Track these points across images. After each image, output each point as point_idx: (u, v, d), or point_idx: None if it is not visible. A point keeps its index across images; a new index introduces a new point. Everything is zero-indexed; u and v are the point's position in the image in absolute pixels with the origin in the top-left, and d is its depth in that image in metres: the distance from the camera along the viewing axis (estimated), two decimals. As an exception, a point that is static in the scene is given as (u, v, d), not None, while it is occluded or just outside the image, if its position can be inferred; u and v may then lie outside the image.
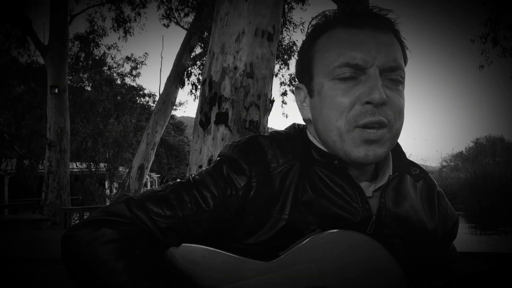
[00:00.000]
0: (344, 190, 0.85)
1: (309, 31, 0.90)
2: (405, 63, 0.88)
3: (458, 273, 0.77)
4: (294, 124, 0.96)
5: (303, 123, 0.96)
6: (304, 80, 0.89)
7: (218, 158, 0.89)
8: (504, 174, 13.78)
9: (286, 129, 0.95)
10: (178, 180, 0.88)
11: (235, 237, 0.84)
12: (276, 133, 0.92)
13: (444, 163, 21.92)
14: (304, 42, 0.91)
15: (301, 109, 0.92)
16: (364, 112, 0.80)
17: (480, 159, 17.05)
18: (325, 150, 0.87)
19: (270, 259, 0.80)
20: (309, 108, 0.89)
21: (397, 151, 0.93)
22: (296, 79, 0.95)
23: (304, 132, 0.93)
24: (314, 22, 0.89)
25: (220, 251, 0.81)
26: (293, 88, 0.95)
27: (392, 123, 0.82)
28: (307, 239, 0.80)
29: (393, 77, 0.82)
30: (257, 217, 0.83)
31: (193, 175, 0.87)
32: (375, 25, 0.83)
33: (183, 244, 0.81)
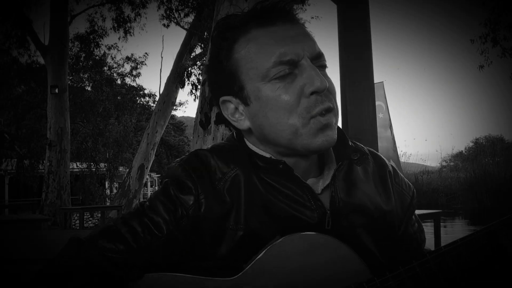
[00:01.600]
0: (294, 192, 0.84)
1: (219, 37, 0.87)
2: None
3: (419, 256, 0.77)
4: (233, 134, 0.95)
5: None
6: (232, 90, 0.86)
7: (165, 180, 0.88)
8: (504, 174, 13.79)
9: (226, 139, 0.95)
10: (129, 210, 0.87)
11: (197, 256, 0.83)
12: (216, 145, 0.92)
13: (444, 163, 21.92)
14: (217, 51, 0.87)
15: (234, 121, 0.89)
16: (313, 102, 0.80)
17: (480, 159, 17.05)
18: (267, 156, 0.87)
19: (236, 273, 0.79)
20: (245, 117, 0.87)
21: (341, 137, 0.90)
22: (213, 93, 0.93)
23: (242, 141, 0.92)
24: (222, 28, 0.87)
25: (183, 275, 0.79)
26: (216, 104, 0.92)
27: (335, 106, 0.83)
28: (267, 248, 0.79)
29: (320, 63, 0.83)
30: (213, 232, 0.82)
31: (143, 202, 0.86)
32: (286, 19, 0.84)
33: (146, 275, 0.79)
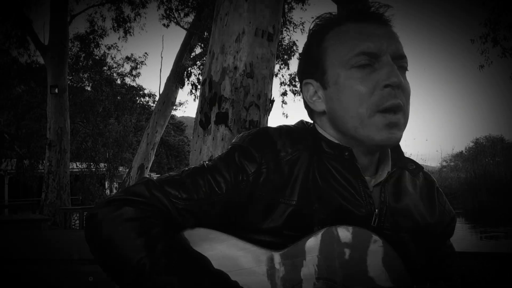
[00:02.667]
0: (350, 183, 0.89)
1: (314, 29, 0.95)
2: None
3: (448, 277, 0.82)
4: (302, 120, 1.00)
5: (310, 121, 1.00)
6: (315, 74, 0.93)
7: (230, 147, 0.93)
8: (504, 174, 13.78)
9: (294, 124, 1.00)
10: (193, 166, 0.93)
11: (247, 223, 0.88)
12: (285, 125, 0.96)
13: (444, 163, 21.92)
14: (310, 40, 0.96)
15: (311, 103, 0.95)
16: (386, 95, 0.84)
17: (480, 159, 17.06)
18: (336, 142, 0.92)
19: (280, 248, 0.84)
20: (322, 100, 0.93)
21: (396, 148, 0.97)
22: (299, 77, 1.00)
23: (313, 126, 0.97)
24: (317, 21, 0.95)
25: (232, 236, 0.85)
26: (300, 87, 0.99)
27: (405, 108, 0.87)
28: (316, 233, 0.83)
29: (401, 64, 0.88)
30: (266, 202, 0.87)
31: (207, 162, 0.92)
32: (379, 20, 0.90)
33: (197, 228, 0.86)
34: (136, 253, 0.76)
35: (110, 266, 0.80)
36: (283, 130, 0.94)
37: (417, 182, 0.99)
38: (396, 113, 0.85)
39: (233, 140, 0.95)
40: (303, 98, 0.98)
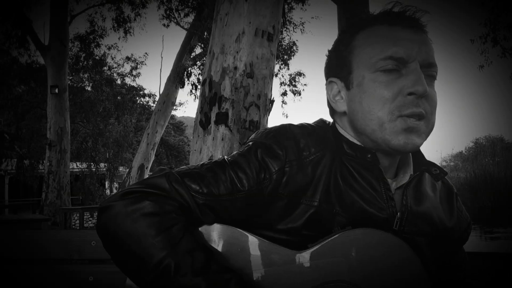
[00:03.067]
0: (372, 185, 0.87)
1: (341, 31, 0.94)
2: None
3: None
4: (322, 118, 0.98)
5: (330, 119, 0.99)
6: (341, 74, 0.91)
7: (250, 143, 0.90)
8: (504, 174, 13.78)
9: (315, 122, 0.97)
10: (213, 160, 0.89)
11: (265, 222, 0.86)
12: (307, 124, 0.94)
13: (444, 163, 21.92)
14: (340, 38, 0.93)
15: (333, 102, 0.93)
16: (408, 103, 0.82)
17: (480, 159, 17.05)
18: (359, 144, 0.90)
19: (299, 249, 0.82)
20: (344, 100, 0.91)
21: (417, 151, 0.96)
22: (326, 74, 0.97)
23: (333, 126, 0.95)
24: (349, 22, 0.94)
25: (252, 234, 0.83)
26: (325, 85, 0.97)
27: (429, 117, 0.85)
28: (338, 234, 0.82)
29: (430, 73, 0.86)
30: (288, 202, 0.85)
31: (226, 157, 0.89)
32: (413, 25, 0.87)
33: (216, 224, 0.83)
34: (157, 251, 0.73)
35: (126, 263, 0.77)
36: (305, 128, 0.91)
37: (437, 186, 0.98)
38: (418, 120, 0.83)
39: (252, 136, 0.92)
40: (327, 97, 0.96)
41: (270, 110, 3.24)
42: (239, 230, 0.83)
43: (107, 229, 0.78)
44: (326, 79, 0.95)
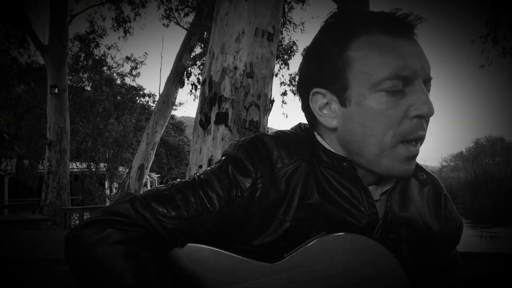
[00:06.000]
0: (352, 193, 0.83)
1: (334, 30, 0.82)
2: None
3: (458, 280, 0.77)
4: (300, 124, 0.93)
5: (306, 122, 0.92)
6: (332, 87, 0.82)
7: (223, 158, 0.87)
8: (504, 174, 13.77)
9: (292, 128, 0.92)
10: (183, 180, 0.86)
11: (240, 238, 0.83)
12: (282, 132, 0.89)
13: (444, 163, 21.93)
14: (329, 44, 0.82)
15: (320, 116, 0.84)
16: (414, 126, 0.77)
17: (480, 159, 17.04)
18: (334, 151, 0.85)
19: (275, 261, 0.79)
20: (337, 117, 0.83)
21: None
22: (305, 81, 0.87)
23: (311, 133, 0.89)
24: (340, 20, 0.83)
25: (224, 251, 0.80)
26: (301, 90, 0.89)
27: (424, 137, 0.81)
28: (312, 241, 0.79)
29: (428, 88, 0.80)
30: (262, 219, 0.82)
31: (198, 175, 0.85)
32: (411, 33, 0.80)
33: (188, 244, 0.80)
34: (124, 280, 0.72)
35: None
36: (279, 138, 0.86)
37: (425, 188, 0.93)
38: (417, 143, 0.79)
39: (226, 148, 0.89)
40: (307, 105, 0.87)
41: (270, 110, 3.24)
42: (211, 248, 0.80)
43: (74, 259, 0.77)
44: (306, 87, 0.86)
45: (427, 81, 0.79)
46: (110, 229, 0.76)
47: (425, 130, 0.79)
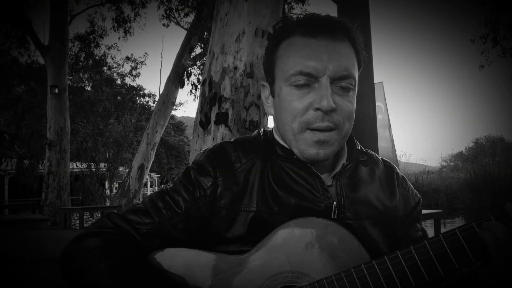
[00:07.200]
0: (307, 181, 0.93)
1: (273, 35, 0.98)
2: (360, 67, 0.96)
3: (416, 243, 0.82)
4: (259, 130, 1.06)
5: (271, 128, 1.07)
6: (268, 80, 0.99)
7: (186, 167, 0.99)
8: (504, 174, 13.77)
9: (252, 134, 1.05)
10: (154, 192, 0.99)
11: (212, 236, 0.92)
12: (241, 138, 1.02)
13: (444, 163, 21.94)
14: (268, 46, 0.99)
15: (265, 105, 1.02)
16: (315, 117, 0.89)
17: (480, 159, 17.06)
18: (285, 145, 0.97)
19: (243, 254, 0.88)
20: (271, 106, 1.00)
21: (351, 143, 1.04)
22: (264, 76, 1.04)
23: (270, 134, 1.03)
24: (277, 26, 0.98)
25: (199, 251, 0.89)
26: (261, 85, 1.04)
27: (341, 126, 0.91)
28: (275, 231, 0.87)
29: (343, 84, 0.91)
30: (227, 212, 0.91)
31: (166, 186, 0.97)
32: (330, 34, 0.91)
33: (166, 249, 0.90)
34: (100, 277, 0.80)
35: None
36: (237, 143, 0.98)
37: (376, 170, 1.02)
38: (327, 131, 0.90)
39: (194, 158, 1.00)
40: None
41: (270, 110, 3.23)
42: (188, 249, 0.90)
43: (65, 272, 0.88)
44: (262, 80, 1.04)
45: (339, 78, 0.90)
46: (90, 238, 0.88)
47: (329, 123, 0.90)
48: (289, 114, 0.92)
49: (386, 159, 1.08)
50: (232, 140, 1.00)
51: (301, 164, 0.94)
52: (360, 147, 1.04)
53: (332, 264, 0.85)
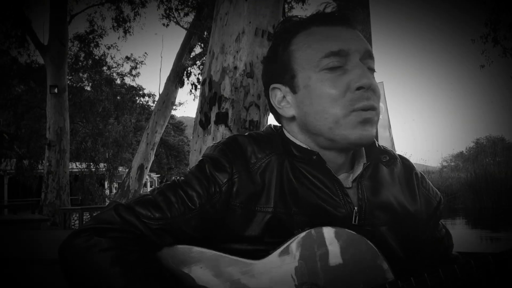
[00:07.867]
0: (325, 184, 0.88)
1: (280, 33, 0.94)
2: None
3: (446, 261, 0.79)
4: (270, 125, 1.00)
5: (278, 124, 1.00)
6: (283, 79, 0.92)
7: (200, 159, 0.92)
8: (505, 174, 13.77)
9: (263, 129, 0.99)
10: (165, 183, 0.91)
11: (225, 235, 0.86)
12: (255, 133, 0.96)
13: (445, 163, 21.95)
14: (276, 44, 0.94)
15: (280, 109, 0.94)
16: (358, 97, 0.84)
17: (481, 159, 17.06)
18: (304, 146, 0.91)
19: (261, 258, 0.82)
20: (291, 105, 0.92)
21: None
22: (264, 82, 0.98)
23: (281, 131, 0.96)
24: (284, 25, 0.94)
25: (211, 251, 0.83)
26: (265, 92, 0.98)
27: (377, 106, 0.87)
28: (296, 237, 0.82)
29: (370, 65, 0.88)
30: (242, 212, 0.86)
31: (178, 177, 0.91)
32: (345, 22, 0.89)
33: (176, 246, 0.84)
34: (114, 283, 0.76)
35: None
36: (251, 137, 0.93)
37: (395, 170, 0.97)
38: (368, 110, 0.85)
39: (204, 151, 0.94)
40: (270, 104, 0.96)
41: (270, 110, 3.23)
42: (199, 248, 0.84)
43: (68, 269, 0.81)
44: (266, 87, 0.97)
45: (366, 58, 0.87)
46: (97, 237, 0.80)
47: (374, 101, 0.85)
48: (326, 100, 0.85)
49: (404, 157, 1.03)
50: (246, 134, 0.94)
51: (317, 166, 0.88)
52: (379, 145, 0.98)
53: (353, 279, 0.81)
